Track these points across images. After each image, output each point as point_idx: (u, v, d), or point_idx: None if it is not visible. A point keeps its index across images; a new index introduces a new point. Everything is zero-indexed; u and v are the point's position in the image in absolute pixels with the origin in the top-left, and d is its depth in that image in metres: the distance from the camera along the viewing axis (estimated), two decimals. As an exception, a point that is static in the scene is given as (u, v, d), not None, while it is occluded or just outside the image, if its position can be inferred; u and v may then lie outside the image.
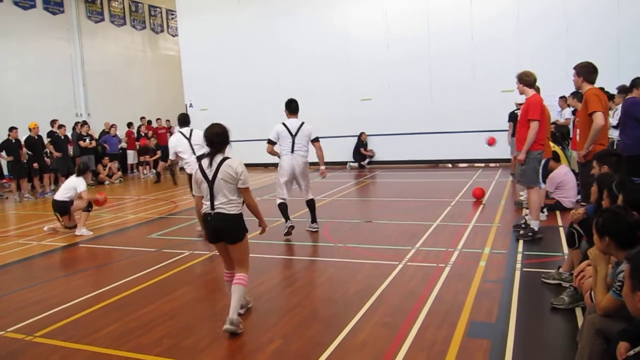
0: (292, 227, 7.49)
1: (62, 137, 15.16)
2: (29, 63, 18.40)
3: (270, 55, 18.16)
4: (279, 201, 7.63)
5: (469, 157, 15.97)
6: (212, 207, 4.27)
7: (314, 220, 7.86)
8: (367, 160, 17.24)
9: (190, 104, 19.72)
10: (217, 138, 4.32)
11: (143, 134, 18.74)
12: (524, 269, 5.53)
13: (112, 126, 17.95)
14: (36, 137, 14.24)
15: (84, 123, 16.53)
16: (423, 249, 6.53)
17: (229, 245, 4.38)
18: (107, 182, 16.65)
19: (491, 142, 15.65)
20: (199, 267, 6.39)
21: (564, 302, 4.39)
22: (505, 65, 13.93)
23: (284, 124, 7.58)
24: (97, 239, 8.44)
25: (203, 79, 19.42)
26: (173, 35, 25.33)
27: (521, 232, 6.84)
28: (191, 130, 7.93)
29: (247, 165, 15.60)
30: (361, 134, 17.19)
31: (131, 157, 18.57)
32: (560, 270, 4.96)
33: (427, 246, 6.67)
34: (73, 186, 9.08)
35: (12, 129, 13.77)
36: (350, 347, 3.92)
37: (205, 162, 4.31)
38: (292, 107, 7.68)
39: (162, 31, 25.35)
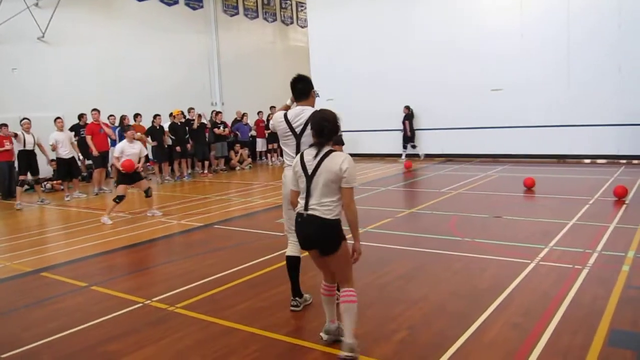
0: (296, 305, 4.67)
1: (199, 125, 16.17)
2: (171, 55, 19.89)
3: (399, 45, 18.03)
4: (287, 250, 4.64)
5: (608, 152, 14.77)
6: (306, 207, 3.63)
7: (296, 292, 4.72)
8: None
9: (317, 93, 20.12)
10: (328, 125, 3.64)
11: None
12: (676, 277, 5.03)
13: (243, 114, 18.85)
14: (179, 124, 15.35)
15: (218, 112, 17.55)
16: (557, 249, 6.17)
17: (324, 257, 3.72)
18: (238, 168, 17.56)
19: (408, 166, 15.27)
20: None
21: None
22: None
23: (284, 113, 4.63)
24: (228, 221, 8.95)
25: (330, 69, 19.74)
26: (302, 27, 26.01)
27: (672, 236, 6.20)
28: None
29: (373, 156, 15.61)
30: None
31: (260, 144, 19.39)
32: None
33: (562, 246, 6.28)
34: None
35: (156, 116, 14.97)
36: (478, 344, 3.82)
37: (309, 153, 3.68)
38: (298, 89, 4.65)
39: (291, 23, 26.13)
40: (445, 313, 4.43)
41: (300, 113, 4.50)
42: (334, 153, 3.61)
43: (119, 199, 9.30)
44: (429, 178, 13.26)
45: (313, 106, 4.62)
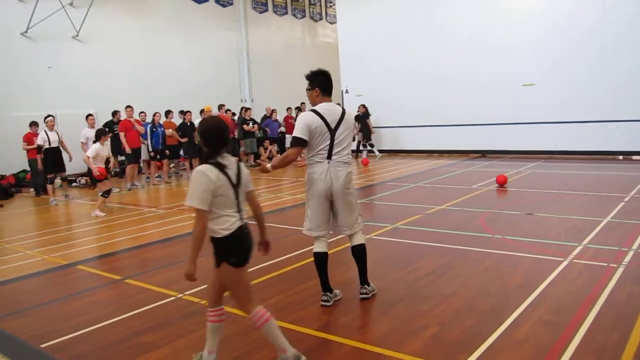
0: (327, 300, 4.71)
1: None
2: (201, 52, 20.13)
3: (428, 40, 17.87)
4: (315, 247, 4.78)
5: (645, 148, 14.42)
6: (242, 218, 3.45)
7: (364, 280, 4.81)
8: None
9: (347, 89, 20.15)
10: (226, 134, 3.49)
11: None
12: None
13: (273, 111, 18.95)
14: (209, 120, 15.49)
15: (248, 108, 17.69)
16: (591, 247, 6.05)
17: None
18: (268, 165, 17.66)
19: (365, 163, 15.95)
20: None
21: None
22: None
23: (315, 111, 4.58)
24: (259, 216, 9.00)
25: (359, 65, 19.71)
26: (331, 23, 26.03)
27: None
28: None
29: (406, 152, 15.62)
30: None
31: (289, 141, 19.48)
32: None
33: (596, 244, 6.16)
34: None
35: (186, 112, 15.16)
36: (510, 341, 3.78)
37: (227, 163, 3.42)
38: (325, 84, 4.66)
39: (320, 19, 26.16)
40: (475, 310, 4.40)
41: (332, 108, 4.59)
42: (239, 160, 3.52)
43: (107, 193, 9.95)
44: (459, 174, 13.13)
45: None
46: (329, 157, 4.55)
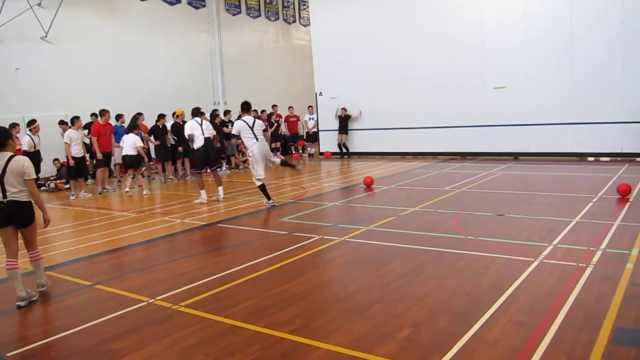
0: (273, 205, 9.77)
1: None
2: (173, 54, 19.91)
3: (401, 43, 18.01)
4: (258, 183, 9.91)
5: (612, 150, 14.73)
6: (5, 197, 5.10)
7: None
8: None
9: (320, 92, 20.16)
10: (3, 140, 5.18)
11: (274, 122, 19.46)
12: (681, 275, 5.02)
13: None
14: (181, 123, 15.32)
15: (227, 112, 17.55)
16: (561, 247, 6.16)
17: (20, 229, 5.33)
18: (241, 167, 17.54)
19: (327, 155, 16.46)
20: (328, 252, 6.54)
21: None
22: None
23: (243, 120, 9.96)
24: (233, 219, 8.96)
25: (333, 68, 19.76)
26: (304, 25, 26.03)
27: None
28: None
29: (380, 154, 15.92)
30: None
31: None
32: None
33: (566, 244, 6.27)
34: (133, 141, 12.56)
35: (161, 116, 14.96)
36: (482, 342, 3.81)
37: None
38: (244, 107, 10.30)
39: (294, 21, 26.14)
40: (449, 311, 4.43)
41: (251, 118, 9.94)
42: (16, 157, 5.17)
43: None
44: (431, 176, 13.24)
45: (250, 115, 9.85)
46: (256, 139, 9.66)
